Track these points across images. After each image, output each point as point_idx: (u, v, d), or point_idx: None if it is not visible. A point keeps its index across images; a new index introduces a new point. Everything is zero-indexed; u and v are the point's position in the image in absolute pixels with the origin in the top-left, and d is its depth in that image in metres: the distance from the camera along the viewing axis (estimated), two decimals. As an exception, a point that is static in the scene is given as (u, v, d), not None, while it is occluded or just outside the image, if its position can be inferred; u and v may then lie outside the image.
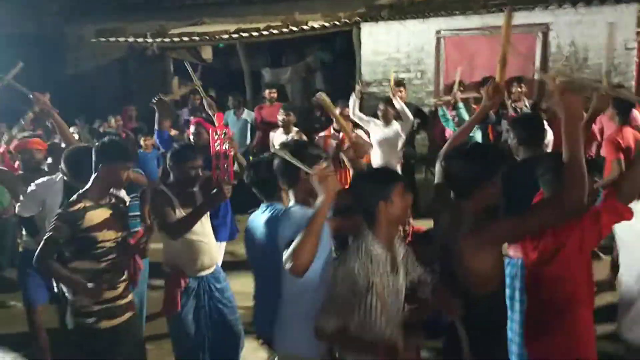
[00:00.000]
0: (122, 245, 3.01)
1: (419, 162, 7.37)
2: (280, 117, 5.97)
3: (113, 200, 3.02)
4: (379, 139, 5.97)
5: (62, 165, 3.41)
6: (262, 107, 7.91)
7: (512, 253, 3.07)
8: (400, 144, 5.96)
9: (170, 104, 9.51)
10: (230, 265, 4.60)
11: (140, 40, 9.72)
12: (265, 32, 8.99)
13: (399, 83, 7.28)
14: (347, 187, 5.16)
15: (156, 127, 4.77)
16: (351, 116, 6.03)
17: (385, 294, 2.19)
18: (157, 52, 9.81)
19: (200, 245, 3.30)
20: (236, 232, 5.15)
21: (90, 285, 2.79)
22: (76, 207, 2.81)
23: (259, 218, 2.78)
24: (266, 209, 2.76)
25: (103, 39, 10.08)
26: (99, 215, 2.87)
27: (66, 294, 2.94)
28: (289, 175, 2.48)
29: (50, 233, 2.78)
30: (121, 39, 9.92)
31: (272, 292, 2.59)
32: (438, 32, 8.09)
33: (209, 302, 3.34)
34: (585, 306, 2.42)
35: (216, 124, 3.70)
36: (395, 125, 5.98)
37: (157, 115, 4.58)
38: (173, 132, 7.36)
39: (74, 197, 2.89)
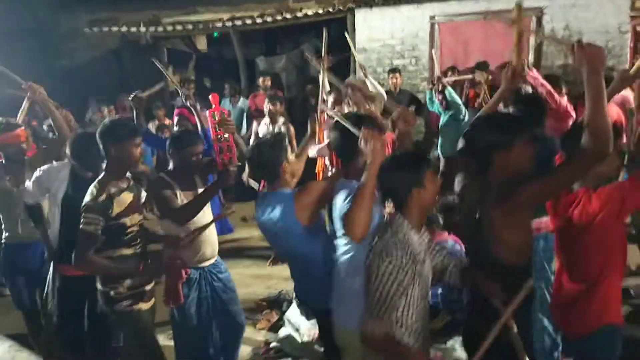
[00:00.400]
0: (144, 228, 3.02)
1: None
2: (267, 107, 5.83)
3: (131, 182, 2.99)
4: None
5: (69, 151, 3.37)
6: (256, 95, 7.91)
7: None
8: None
9: (165, 95, 9.50)
10: (226, 253, 4.59)
11: (133, 29, 9.66)
12: (259, 20, 8.95)
13: (394, 69, 7.27)
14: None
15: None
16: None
17: (423, 283, 2.16)
18: (150, 42, 9.75)
19: (201, 236, 3.23)
20: (230, 228, 5.08)
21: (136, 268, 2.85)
22: (103, 196, 2.75)
23: (268, 212, 2.70)
24: (272, 199, 2.69)
25: (96, 29, 10.01)
26: (124, 199, 2.85)
27: (98, 285, 2.94)
28: (347, 149, 2.48)
29: (85, 228, 2.71)
30: (114, 29, 9.86)
31: (311, 272, 2.66)
32: (432, 17, 8.06)
33: (211, 293, 3.30)
34: (617, 272, 2.48)
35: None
36: None
37: (134, 113, 4.11)
38: (167, 122, 7.35)
39: (96, 185, 2.81)
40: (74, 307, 3.36)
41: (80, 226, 2.71)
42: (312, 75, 10.17)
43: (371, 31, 8.34)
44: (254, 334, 4.29)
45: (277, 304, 4.63)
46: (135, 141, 2.87)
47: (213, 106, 3.49)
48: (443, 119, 6.21)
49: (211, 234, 3.33)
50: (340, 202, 2.47)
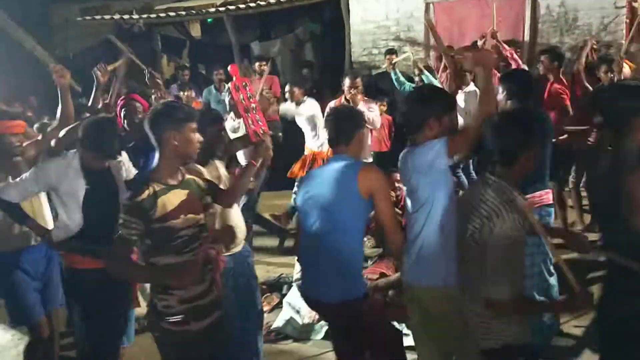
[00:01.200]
0: (204, 229, 2.56)
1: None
2: (228, 98, 5.15)
3: (185, 176, 2.53)
4: (297, 120, 5.78)
5: (80, 135, 3.16)
6: (252, 80, 7.84)
7: None
8: (318, 121, 5.51)
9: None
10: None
11: (126, 17, 9.57)
12: (252, 4, 8.86)
13: (391, 51, 7.22)
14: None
15: (90, 103, 3.94)
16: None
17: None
18: (143, 29, 9.67)
19: (232, 219, 3.07)
20: None
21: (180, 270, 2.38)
22: (144, 194, 2.32)
23: (326, 174, 2.69)
24: (337, 162, 2.70)
25: (88, 18, 9.93)
26: (173, 198, 2.39)
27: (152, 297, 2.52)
28: (416, 121, 2.58)
29: (119, 231, 2.34)
30: (106, 17, 9.77)
31: (339, 245, 2.61)
32: (427, -3, 8.01)
33: (243, 279, 3.16)
34: None
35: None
36: (308, 103, 5.67)
37: (94, 88, 3.74)
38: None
39: (139, 181, 2.45)
40: (85, 303, 3.11)
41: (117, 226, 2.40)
42: (307, 59, 10.15)
43: (366, 13, 8.27)
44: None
45: (277, 287, 4.65)
46: (193, 126, 2.47)
47: (234, 78, 3.32)
48: None
49: (239, 216, 3.19)
50: (427, 156, 2.44)
